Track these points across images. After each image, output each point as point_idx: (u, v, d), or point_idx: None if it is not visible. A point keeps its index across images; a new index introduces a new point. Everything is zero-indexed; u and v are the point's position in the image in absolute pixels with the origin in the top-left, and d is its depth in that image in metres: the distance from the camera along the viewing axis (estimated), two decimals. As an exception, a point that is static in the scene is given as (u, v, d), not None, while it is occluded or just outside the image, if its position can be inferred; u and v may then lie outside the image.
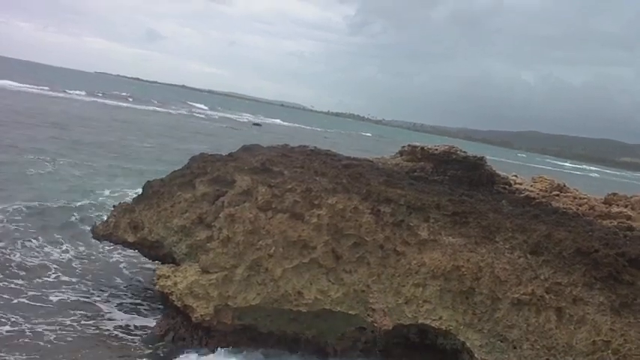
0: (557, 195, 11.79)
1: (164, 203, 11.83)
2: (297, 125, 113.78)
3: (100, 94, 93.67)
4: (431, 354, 9.66)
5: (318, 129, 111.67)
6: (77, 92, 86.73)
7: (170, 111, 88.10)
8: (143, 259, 13.59)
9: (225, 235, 10.09)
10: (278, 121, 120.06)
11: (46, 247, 14.42)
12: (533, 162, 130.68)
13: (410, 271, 9.29)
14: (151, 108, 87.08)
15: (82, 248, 14.85)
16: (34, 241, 14.53)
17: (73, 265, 13.74)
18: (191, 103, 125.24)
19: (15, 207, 16.55)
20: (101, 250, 14.90)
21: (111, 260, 14.58)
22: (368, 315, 9.32)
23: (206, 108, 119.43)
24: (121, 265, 14.34)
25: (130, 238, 12.02)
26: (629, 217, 10.71)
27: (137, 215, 12.10)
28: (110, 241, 12.96)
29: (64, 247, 14.66)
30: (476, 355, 8.60)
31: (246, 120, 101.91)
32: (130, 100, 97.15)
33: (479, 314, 8.79)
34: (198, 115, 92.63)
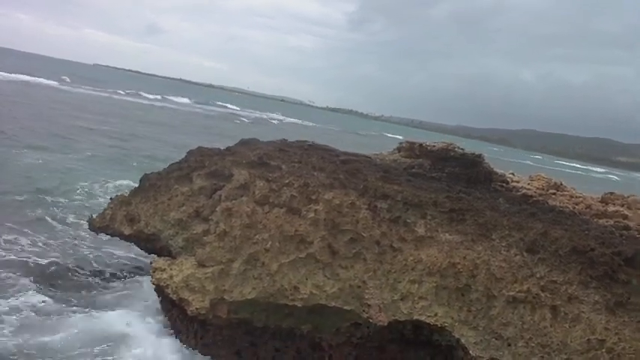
0: (554, 193, 11.82)
1: (161, 196, 11.84)
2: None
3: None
4: (425, 350, 9.67)
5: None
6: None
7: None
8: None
9: (221, 228, 10.09)
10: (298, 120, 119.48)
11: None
12: (551, 165, 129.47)
13: (406, 268, 9.29)
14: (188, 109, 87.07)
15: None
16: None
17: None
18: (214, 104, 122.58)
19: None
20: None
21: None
22: (363, 311, 9.33)
23: (237, 108, 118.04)
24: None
25: (127, 231, 12.04)
26: (625, 217, 10.74)
27: (134, 208, 12.11)
28: (106, 234, 12.97)
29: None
30: (470, 352, 8.61)
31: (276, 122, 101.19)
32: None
33: (474, 311, 8.80)
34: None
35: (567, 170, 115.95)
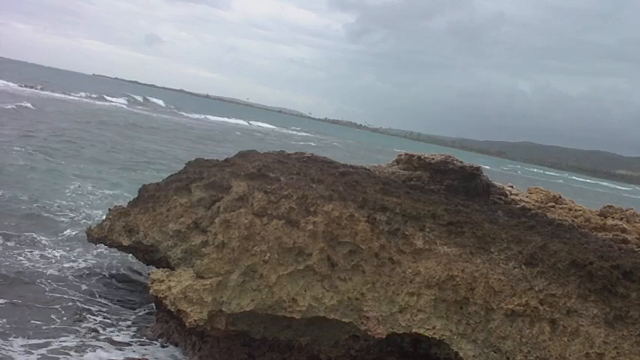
0: (553, 206, 11.83)
1: (160, 207, 11.84)
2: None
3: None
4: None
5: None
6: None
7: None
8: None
9: (220, 240, 10.08)
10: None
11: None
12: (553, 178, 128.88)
13: (404, 280, 9.28)
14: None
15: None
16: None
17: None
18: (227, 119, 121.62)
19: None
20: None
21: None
22: (362, 323, 9.30)
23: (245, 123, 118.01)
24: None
25: (125, 242, 12.03)
26: (624, 230, 10.76)
27: (132, 219, 12.11)
28: (105, 244, 12.97)
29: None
30: (469, 365, 8.60)
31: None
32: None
33: (473, 324, 8.79)
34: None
35: (569, 184, 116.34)
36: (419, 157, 12.33)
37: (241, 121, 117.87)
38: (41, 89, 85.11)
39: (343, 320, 9.41)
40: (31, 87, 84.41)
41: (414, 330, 9.06)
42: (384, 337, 9.20)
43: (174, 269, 10.81)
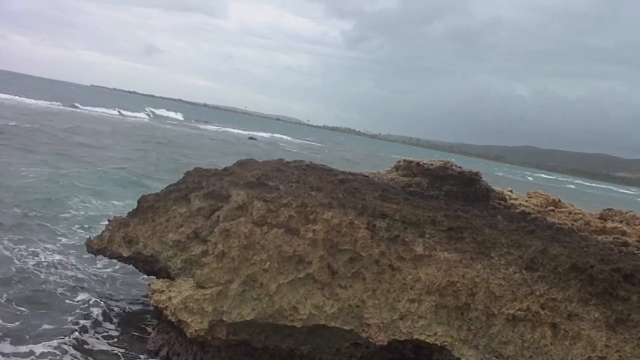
0: (553, 210, 11.82)
1: (159, 217, 11.82)
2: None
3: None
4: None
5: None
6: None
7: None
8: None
9: (220, 249, 10.07)
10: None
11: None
12: (552, 182, 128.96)
13: (405, 287, 9.27)
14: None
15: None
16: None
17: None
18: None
19: None
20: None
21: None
22: (363, 330, 9.29)
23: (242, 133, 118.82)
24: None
25: (125, 253, 12.00)
26: (624, 233, 10.75)
27: (132, 229, 12.09)
28: (104, 255, 12.93)
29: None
30: (471, 372, 8.58)
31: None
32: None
33: (474, 330, 8.77)
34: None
35: (567, 186, 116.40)
36: (418, 164, 12.33)
37: (263, 133, 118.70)
38: (72, 106, 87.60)
39: (344, 328, 9.39)
40: (57, 104, 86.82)
41: (415, 336, 9.04)
42: (385, 344, 9.18)
43: (174, 279, 10.79)
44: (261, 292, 9.59)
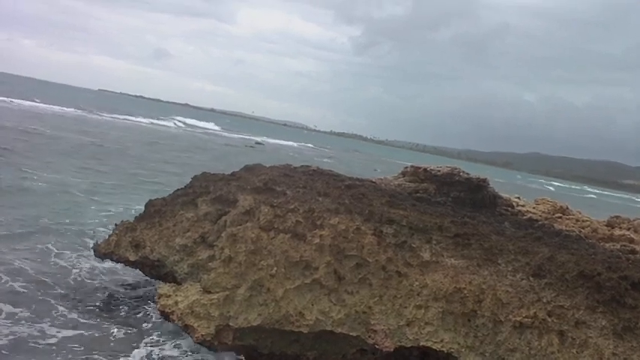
0: (560, 217, 11.80)
1: (166, 222, 11.84)
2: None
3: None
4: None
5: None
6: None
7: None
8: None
9: (227, 254, 10.08)
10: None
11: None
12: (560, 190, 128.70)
13: (412, 293, 9.26)
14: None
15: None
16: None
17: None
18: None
19: None
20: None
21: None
22: (369, 337, 9.27)
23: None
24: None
25: (132, 257, 12.01)
26: (631, 240, 10.72)
27: (139, 234, 12.10)
28: (111, 260, 12.94)
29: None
30: (478, 378, 8.56)
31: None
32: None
33: (481, 337, 8.75)
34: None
35: (586, 196, 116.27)
36: (425, 170, 12.33)
37: (289, 142, 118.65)
38: (99, 113, 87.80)
39: (351, 334, 9.38)
40: (83, 110, 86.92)
41: (421, 343, 9.02)
42: (391, 350, 9.16)
43: (180, 284, 10.80)
44: (268, 298, 9.60)
